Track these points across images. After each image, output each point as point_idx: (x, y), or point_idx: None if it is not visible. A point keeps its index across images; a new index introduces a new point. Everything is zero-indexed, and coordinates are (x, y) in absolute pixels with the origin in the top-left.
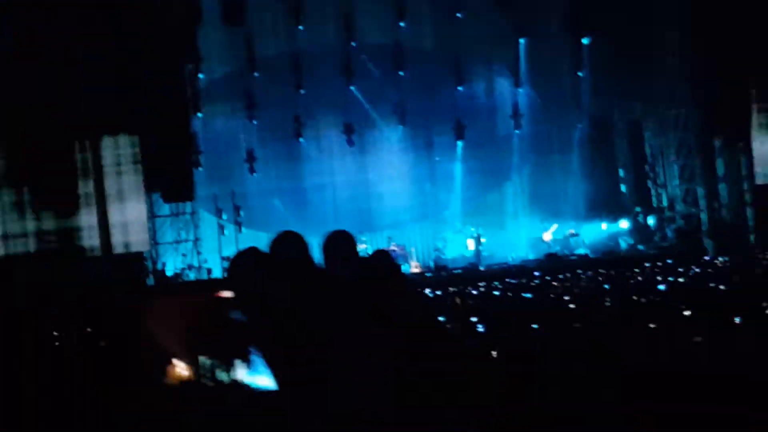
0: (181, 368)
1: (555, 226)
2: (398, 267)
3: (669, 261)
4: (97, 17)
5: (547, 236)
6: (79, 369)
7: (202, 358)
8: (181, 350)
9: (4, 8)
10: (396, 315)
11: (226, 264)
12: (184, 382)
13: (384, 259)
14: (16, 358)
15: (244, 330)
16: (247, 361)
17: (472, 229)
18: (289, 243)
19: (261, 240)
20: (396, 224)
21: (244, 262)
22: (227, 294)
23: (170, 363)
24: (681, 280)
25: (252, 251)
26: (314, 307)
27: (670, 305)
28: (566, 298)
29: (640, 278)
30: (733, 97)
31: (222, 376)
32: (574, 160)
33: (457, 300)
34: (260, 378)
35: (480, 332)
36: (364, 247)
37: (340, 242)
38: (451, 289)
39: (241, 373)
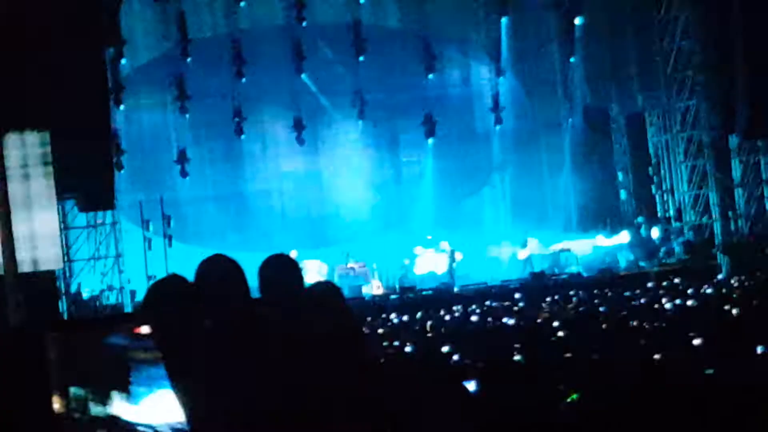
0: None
1: (533, 242)
2: (348, 314)
3: (676, 280)
4: None
5: (523, 254)
6: None
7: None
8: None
9: None
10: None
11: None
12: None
13: (329, 304)
14: None
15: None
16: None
17: (445, 243)
18: (219, 270)
19: (194, 257)
20: (355, 237)
21: (159, 297)
22: (146, 330)
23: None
24: (690, 302)
25: (171, 281)
26: (226, 357)
27: (677, 332)
28: (555, 324)
29: (642, 300)
30: (752, 88)
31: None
32: (564, 161)
33: (427, 326)
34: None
35: (455, 362)
36: (316, 267)
37: (275, 273)
38: (419, 313)
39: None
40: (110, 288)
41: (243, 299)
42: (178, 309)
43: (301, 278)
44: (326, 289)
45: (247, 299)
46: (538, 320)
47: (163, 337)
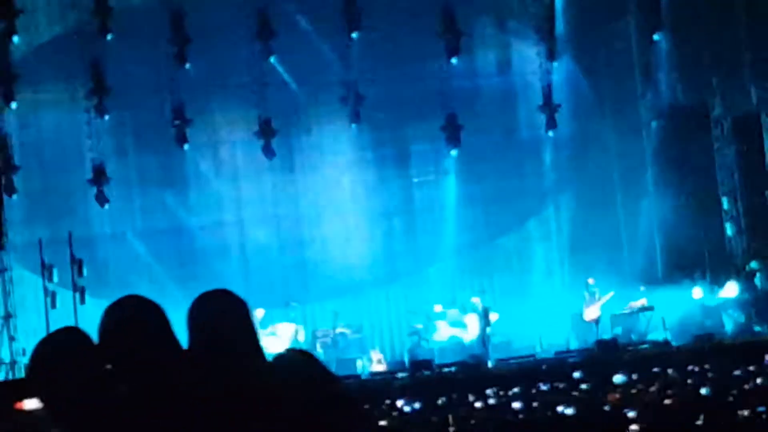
0: None
1: (610, 295)
2: (335, 384)
3: None
4: None
5: (593, 313)
6: None
7: None
8: None
9: None
10: None
11: None
12: None
13: (302, 373)
14: None
15: None
16: None
17: (475, 300)
18: (132, 317)
19: None
20: (347, 290)
21: (50, 357)
22: (33, 405)
23: None
24: None
25: (67, 335)
26: None
27: None
28: (631, 414)
29: (758, 380)
30: None
31: None
32: (645, 182)
33: (450, 419)
34: None
35: None
36: (290, 332)
37: (216, 317)
38: (440, 400)
39: None
40: None
41: (171, 354)
42: (78, 371)
43: (254, 328)
44: (300, 357)
45: (178, 354)
46: (605, 407)
47: (58, 413)
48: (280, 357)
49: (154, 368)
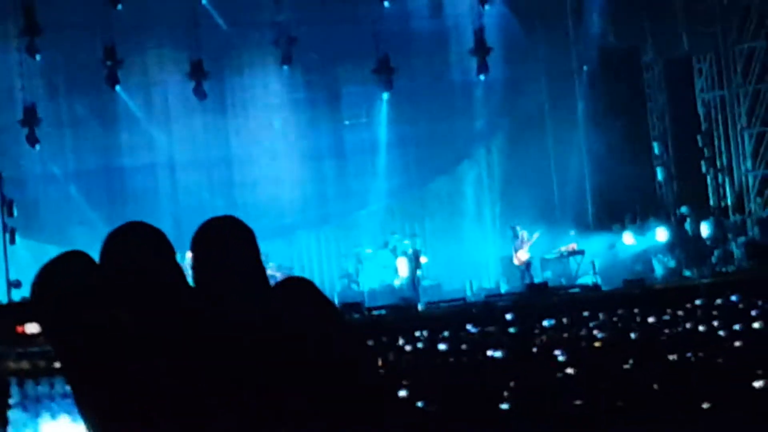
0: None
1: (536, 236)
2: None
3: (733, 297)
4: None
5: (522, 255)
6: None
7: None
8: None
9: None
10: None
11: None
12: None
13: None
14: None
15: None
16: None
17: (406, 242)
18: (140, 239)
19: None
20: (278, 232)
21: (54, 280)
22: (34, 329)
23: None
24: (756, 325)
25: (72, 258)
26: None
27: (734, 370)
28: (559, 355)
29: (687, 325)
30: None
31: None
32: (576, 126)
33: (380, 361)
34: None
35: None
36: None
37: (221, 243)
38: (369, 342)
39: None
40: None
41: (180, 280)
42: (83, 295)
43: (260, 259)
44: (306, 286)
45: (184, 283)
46: (534, 349)
47: (61, 338)
48: (286, 286)
49: (160, 294)
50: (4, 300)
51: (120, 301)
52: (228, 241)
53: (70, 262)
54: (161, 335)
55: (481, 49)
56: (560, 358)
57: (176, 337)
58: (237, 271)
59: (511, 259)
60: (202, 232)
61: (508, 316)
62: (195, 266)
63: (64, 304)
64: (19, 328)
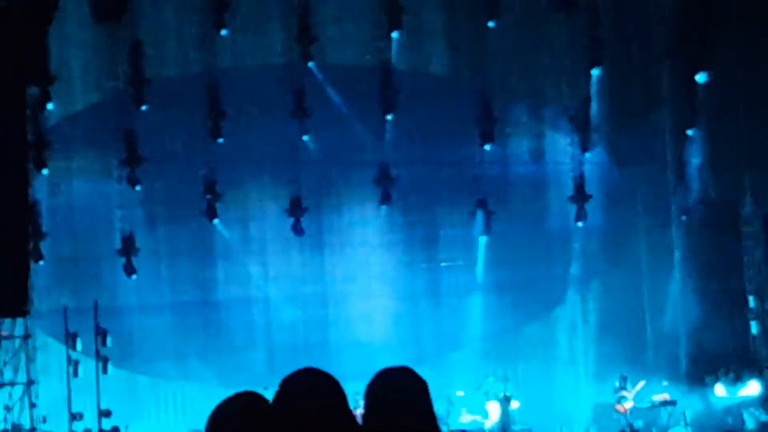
0: None
1: (641, 384)
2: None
3: None
4: None
5: (627, 404)
6: None
7: None
8: None
9: None
10: None
11: (78, 427)
12: None
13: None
14: None
15: None
16: None
17: (499, 385)
18: (311, 384)
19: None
20: (371, 372)
21: (228, 421)
22: None
23: None
24: None
25: (244, 399)
26: None
27: None
28: None
29: None
30: None
31: None
32: (672, 277)
33: None
34: None
35: None
36: None
37: (391, 389)
38: None
39: None
40: (16, 428)
41: (346, 425)
42: None
43: (431, 407)
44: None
45: (353, 426)
46: None
47: None
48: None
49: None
50: (95, 428)
51: None
52: (403, 391)
53: (243, 404)
54: None
55: (580, 195)
56: None
57: None
58: (409, 421)
59: (604, 407)
60: (378, 381)
61: None
62: (368, 409)
63: None
64: None
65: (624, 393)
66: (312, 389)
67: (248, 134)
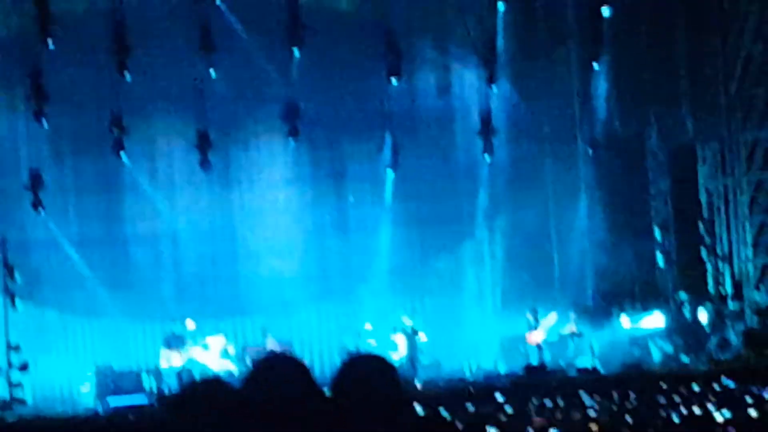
0: None
1: (553, 317)
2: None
3: (730, 383)
4: None
5: (537, 336)
6: None
7: None
8: None
9: None
10: None
11: None
12: None
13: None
14: None
15: None
16: None
17: (405, 318)
18: (281, 369)
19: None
20: (278, 306)
21: (194, 406)
22: None
23: None
24: (752, 413)
25: (210, 385)
26: None
27: None
28: None
29: (683, 409)
30: None
31: None
32: (579, 209)
33: None
34: None
35: None
36: (219, 345)
37: (362, 374)
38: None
39: None
40: None
41: (315, 401)
42: (223, 423)
43: (402, 392)
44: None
45: (322, 402)
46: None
47: None
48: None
49: (295, 414)
50: (4, 362)
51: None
52: (372, 378)
53: (210, 388)
54: None
55: (487, 129)
56: None
57: None
58: (379, 396)
59: (512, 340)
60: (349, 365)
61: (502, 398)
62: (336, 392)
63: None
64: None
65: (535, 325)
66: (281, 374)
67: (155, 69)
